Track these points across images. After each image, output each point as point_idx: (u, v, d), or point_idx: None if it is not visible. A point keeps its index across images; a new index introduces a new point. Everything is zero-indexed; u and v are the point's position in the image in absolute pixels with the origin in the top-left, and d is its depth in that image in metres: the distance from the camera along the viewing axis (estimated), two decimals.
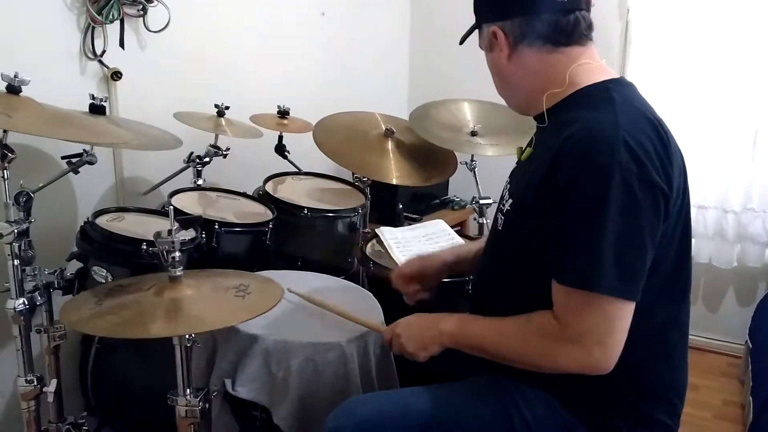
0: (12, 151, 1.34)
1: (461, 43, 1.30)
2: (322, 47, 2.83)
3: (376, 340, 1.47)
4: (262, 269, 1.65)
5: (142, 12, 1.95)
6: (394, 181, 2.01)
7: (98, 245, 1.57)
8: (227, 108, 2.08)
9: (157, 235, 1.22)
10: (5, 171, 1.34)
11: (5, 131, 1.31)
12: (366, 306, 1.59)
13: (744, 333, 2.75)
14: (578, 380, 1.06)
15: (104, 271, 1.56)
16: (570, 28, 1.12)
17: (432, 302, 1.46)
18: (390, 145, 2.09)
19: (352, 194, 2.25)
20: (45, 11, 1.75)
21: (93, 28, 1.84)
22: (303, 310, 1.53)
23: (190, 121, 1.96)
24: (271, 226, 1.87)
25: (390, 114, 2.26)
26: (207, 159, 2.05)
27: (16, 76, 1.32)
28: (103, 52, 1.89)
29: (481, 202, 2.15)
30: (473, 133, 2.11)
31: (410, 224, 2.22)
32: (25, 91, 1.35)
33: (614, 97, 1.08)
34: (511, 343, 1.12)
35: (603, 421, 1.13)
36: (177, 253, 1.22)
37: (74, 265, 1.62)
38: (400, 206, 2.73)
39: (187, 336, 1.21)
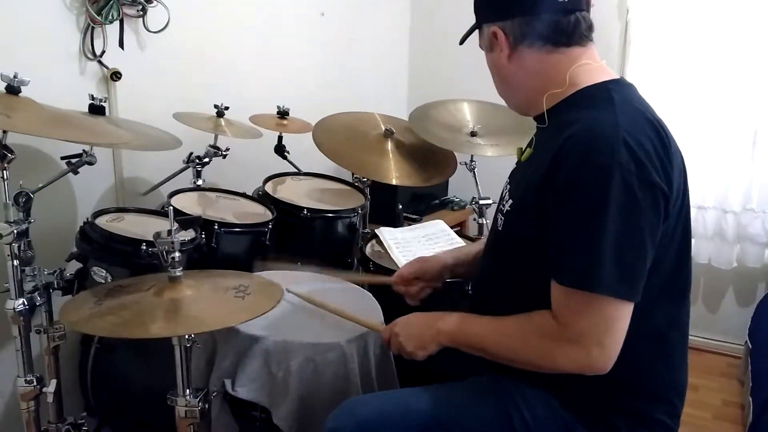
0: (11, 152, 1.34)
1: (461, 43, 1.30)
2: (322, 47, 2.83)
3: (376, 340, 1.47)
4: (261, 270, 1.65)
5: (141, 12, 1.95)
6: (394, 182, 2.01)
7: (98, 245, 1.57)
8: (227, 108, 2.08)
9: (157, 235, 1.22)
10: (5, 171, 1.34)
11: (5, 132, 1.31)
12: (366, 306, 1.59)
13: (744, 333, 2.75)
14: (578, 380, 1.06)
15: (104, 271, 1.56)
16: (570, 29, 1.12)
17: (432, 302, 1.46)
18: (390, 145, 2.09)
19: (352, 195, 2.25)
20: (44, 11, 1.74)
21: (92, 28, 1.84)
22: (303, 311, 1.53)
23: (190, 122, 1.96)
24: (270, 226, 1.87)
25: (389, 114, 2.26)
26: (206, 159, 2.05)
27: (15, 77, 1.32)
28: (103, 52, 1.89)
29: (481, 202, 2.15)
30: (473, 134, 2.11)
31: (410, 225, 2.22)
32: (25, 92, 1.34)
33: (614, 97, 1.08)
34: (510, 342, 1.12)
35: (603, 421, 1.13)
36: (176, 254, 1.22)
37: (74, 266, 1.62)
38: (400, 207, 2.73)
39: (186, 336, 1.21)
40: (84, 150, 1.53)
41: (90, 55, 1.86)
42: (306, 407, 1.37)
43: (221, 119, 2.06)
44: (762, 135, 2.69)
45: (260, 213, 1.98)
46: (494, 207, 1.33)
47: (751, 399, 2.22)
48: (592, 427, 1.13)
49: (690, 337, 1.22)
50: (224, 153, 2.09)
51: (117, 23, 1.88)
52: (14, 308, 1.39)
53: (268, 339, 1.37)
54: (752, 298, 2.90)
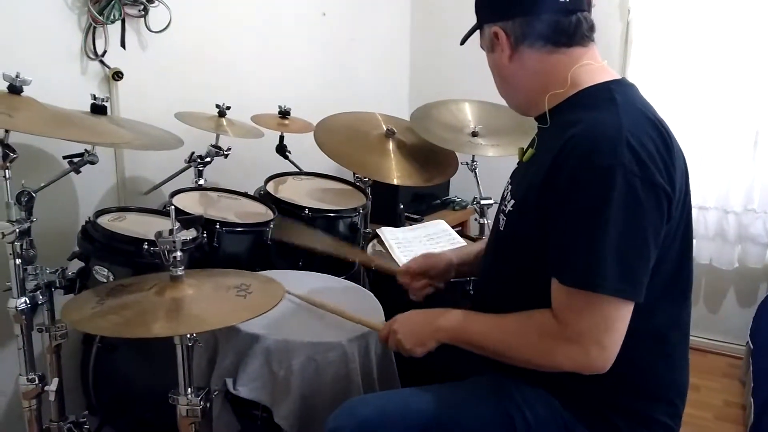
0: (14, 151, 1.34)
1: (462, 43, 1.30)
2: (323, 47, 2.83)
3: (377, 340, 1.47)
4: (263, 269, 1.66)
5: (143, 12, 1.95)
6: (395, 182, 2.01)
7: (100, 245, 1.58)
8: (228, 108, 2.08)
9: (159, 234, 1.22)
10: (7, 171, 1.34)
11: (7, 131, 1.32)
12: (367, 306, 1.59)
13: (745, 334, 2.75)
14: (579, 380, 1.06)
15: (106, 270, 1.57)
16: (572, 29, 1.12)
17: (434, 301, 1.46)
18: (391, 145, 2.09)
19: (353, 194, 2.25)
20: (46, 11, 1.75)
21: (94, 28, 1.84)
22: (304, 310, 1.53)
23: (191, 121, 1.96)
24: (272, 225, 1.87)
25: (391, 114, 2.26)
26: (208, 159, 2.05)
27: (17, 76, 1.32)
28: (104, 52, 1.89)
29: (482, 202, 2.16)
30: (474, 134, 2.11)
31: (411, 224, 2.22)
32: (27, 91, 1.35)
33: (616, 97, 1.08)
34: (509, 340, 1.12)
35: (603, 421, 1.13)
36: (178, 253, 1.22)
37: (76, 265, 1.62)
38: (401, 206, 2.73)
39: (188, 335, 1.22)
40: (86, 149, 1.53)
41: (92, 55, 1.87)
42: (307, 406, 1.37)
43: (223, 119, 2.06)
44: (763, 135, 2.69)
45: (262, 212, 1.98)
46: (495, 207, 1.33)
47: (752, 399, 2.22)
48: (592, 427, 1.14)
49: (691, 338, 1.22)
50: (226, 153, 2.09)
51: (118, 23, 1.89)
52: (16, 307, 1.39)
53: (269, 338, 1.38)
54: (753, 299, 2.89)
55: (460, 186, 3.04)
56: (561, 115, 1.14)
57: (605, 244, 0.98)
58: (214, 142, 2.08)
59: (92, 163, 1.54)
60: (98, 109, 1.66)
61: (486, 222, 2.17)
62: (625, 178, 0.98)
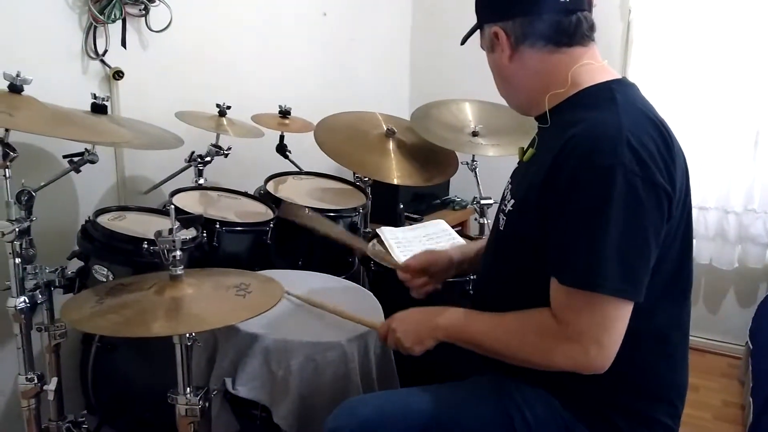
0: (14, 150, 1.34)
1: (462, 43, 1.30)
2: (323, 47, 2.83)
3: (376, 340, 1.47)
4: (263, 268, 1.66)
5: (143, 12, 1.95)
6: (395, 181, 2.01)
7: (99, 244, 1.58)
8: (228, 107, 2.08)
9: (158, 234, 1.22)
10: (7, 170, 1.34)
11: (7, 130, 1.32)
12: (367, 306, 1.59)
13: (744, 334, 2.75)
14: (579, 380, 1.06)
15: (105, 269, 1.57)
16: (572, 29, 1.12)
17: (433, 301, 1.46)
18: (391, 145, 2.09)
19: (353, 194, 2.25)
20: (47, 11, 1.75)
21: (95, 27, 1.84)
22: (303, 310, 1.53)
23: (192, 121, 1.96)
24: (272, 225, 1.87)
25: (391, 114, 2.26)
26: (208, 158, 2.05)
27: (18, 75, 1.32)
28: (105, 51, 1.89)
29: (482, 202, 2.15)
30: (474, 134, 2.11)
31: (411, 224, 2.22)
32: (27, 90, 1.35)
33: (617, 97, 1.08)
34: (508, 339, 1.12)
35: (604, 421, 1.13)
36: (178, 252, 1.22)
37: (75, 264, 1.62)
38: (401, 206, 2.73)
39: (187, 335, 1.22)
40: (86, 149, 1.53)
41: (92, 54, 1.87)
42: (306, 406, 1.37)
43: (223, 118, 2.06)
44: (764, 135, 2.69)
45: (262, 212, 1.98)
46: (495, 207, 1.33)
47: (751, 399, 2.22)
48: (593, 427, 1.13)
49: (691, 338, 1.22)
50: (226, 152, 2.09)
51: (119, 22, 1.89)
52: (15, 306, 1.39)
53: (268, 338, 1.38)
54: (753, 299, 2.89)
55: (460, 186, 3.05)
56: (561, 115, 1.13)
57: (606, 244, 0.98)
58: (214, 142, 2.08)
59: (92, 162, 1.54)
60: (98, 109, 1.66)
61: (486, 222, 2.17)
62: (625, 178, 0.98)
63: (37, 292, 1.44)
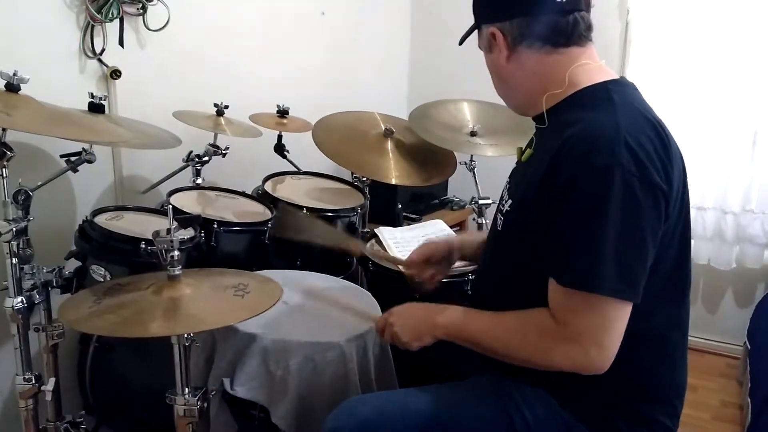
0: (11, 150, 1.33)
1: (461, 43, 1.29)
2: (322, 46, 2.83)
3: (375, 340, 1.47)
4: (261, 268, 1.65)
5: (141, 11, 1.94)
6: (394, 181, 2.01)
7: (97, 244, 1.57)
8: (226, 107, 2.08)
9: (156, 234, 1.22)
10: (4, 169, 1.34)
11: (4, 129, 1.31)
12: (365, 305, 1.58)
13: (742, 334, 2.75)
14: (579, 380, 1.06)
15: (103, 269, 1.56)
16: (569, 29, 1.12)
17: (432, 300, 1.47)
18: (389, 144, 2.09)
19: (352, 194, 2.25)
20: (44, 10, 1.74)
21: (92, 26, 1.84)
22: (302, 310, 1.53)
23: (190, 120, 1.96)
24: (270, 225, 1.87)
25: (389, 114, 2.26)
26: (206, 158, 2.04)
27: (15, 75, 1.32)
28: (103, 50, 1.89)
29: (481, 202, 2.15)
30: (473, 134, 2.11)
31: (409, 224, 2.22)
32: (24, 90, 1.34)
33: (614, 97, 1.08)
34: (507, 338, 1.12)
35: (603, 421, 1.13)
36: (176, 252, 1.22)
37: (73, 264, 1.62)
38: (400, 206, 2.73)
39: (185, 335, 1.21)
40: (83, 148, 1.53)
41: (90, 54, 1.86)
42: (305, 406, 1.37)
43: (221, 118, 2.06)
44: (762, 136, 2.69)
45: (260, 212, 1.98)
46: (494, 207, 1.33)
47: (749, 399, 2.23)
48: (592, 427, 1.13)
49: (689, 338, 1.22)
50: (224, 152, 2.09)
51: (117, 21, 1.88)
52: (13, 306, 1.39)
53: (266, 338, 1.37)
54: (751, 299, 2.90)
55: (458, 186, 3.05)
56: (559, 116, 1.13)
57: (604, 245, 0.98)
58: (212, 141, 2.08)
59: (90, 161, 1.54)
60: (96, 108, 1.65)
61: (484, 222, 2.17)
62: (622, 178, 0.98)
63: (35, 292, 1.44)
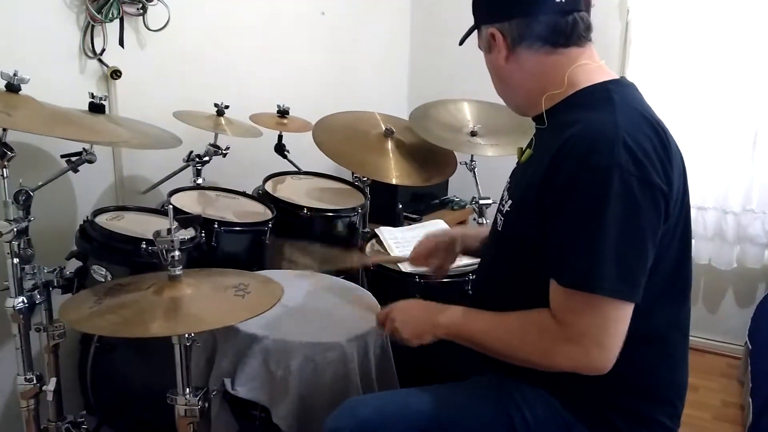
0: (11, 150, 1.34)
1: (461, 44, 1.30)
2: (322, 46, 2.83)
3: (376, 340, 1.47)
4: (261, 269, 1.65)
5: (141, 11, 1.94)
6: (394, 181, 2.01)
7: (98, 244, 1.57)
8: (227, 107, 2.08)
9: (157, 234, 1.22)
10: (5, 169, 1.34)
11: (5, 129, 1.31)
12: (365, 305, 1.58)
13: (743, 334, 2.75)
14: (579, 380, 1.06)
15: (104, 269, 1.56)
16: (568, 30, 1.12)
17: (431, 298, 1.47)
18: (390, 144, 2.09)
19: (352, 194, 2.25)
20: (45, 10, 1.74)
21: (93, 26, 1.84)
22: (302, 310, 1.53)
23: (190, 120, 1.96)
24: (270, 225, 1.87)
25: (390, 114, 2.26)
26: (206, 158, 2.04)
27: (15, 75, 1.32)
28: (103, 50, 1.89)
29: (481, 202, 2.15)
30: (473, 134, 2.11)
31: (410, 224, 2.23)
32: (25, 90, 1.34)
33: (614, 97, 1.08)
34: (508, 339, 1.12)
35: (603, 421, 1.13)
36: (176, 252, 1.22)
37: (73, 264, 1.62)
38: (400, 206, 2.73)
39: (186, 335, 1.21)
40: (84, 148, 1.53)
41: (90, 54, 1.86)
42: (306, 406, 1.37)
43: (221, 118, 2.06)
44: (762, 136, 2.69)
45: (260, 212, 1.98)
46: (494, 207, 1.33)
47: (750, 399, 2.22)
48: (592, 426, 1.13)
49: (690, 338, 1.22)
50: (224, 152, 2.09)
51: (117, 21, 1.88)
52: (14, 306, 1.39)
53: (267, 338, 1.37)
54: (752, 299, 2.90)
55: (458, 186, 3.05)
56: (558, 116, 1.13)
57: (603, 245, 0.98)
58: (212, 141, 2.08)
59: (90, 162, 1.54)
60: (96, 108, 1.65)
61: (485, 222, 2.16)
62: (622, 179, 0.98)
63: (36, 292, 1.44)
